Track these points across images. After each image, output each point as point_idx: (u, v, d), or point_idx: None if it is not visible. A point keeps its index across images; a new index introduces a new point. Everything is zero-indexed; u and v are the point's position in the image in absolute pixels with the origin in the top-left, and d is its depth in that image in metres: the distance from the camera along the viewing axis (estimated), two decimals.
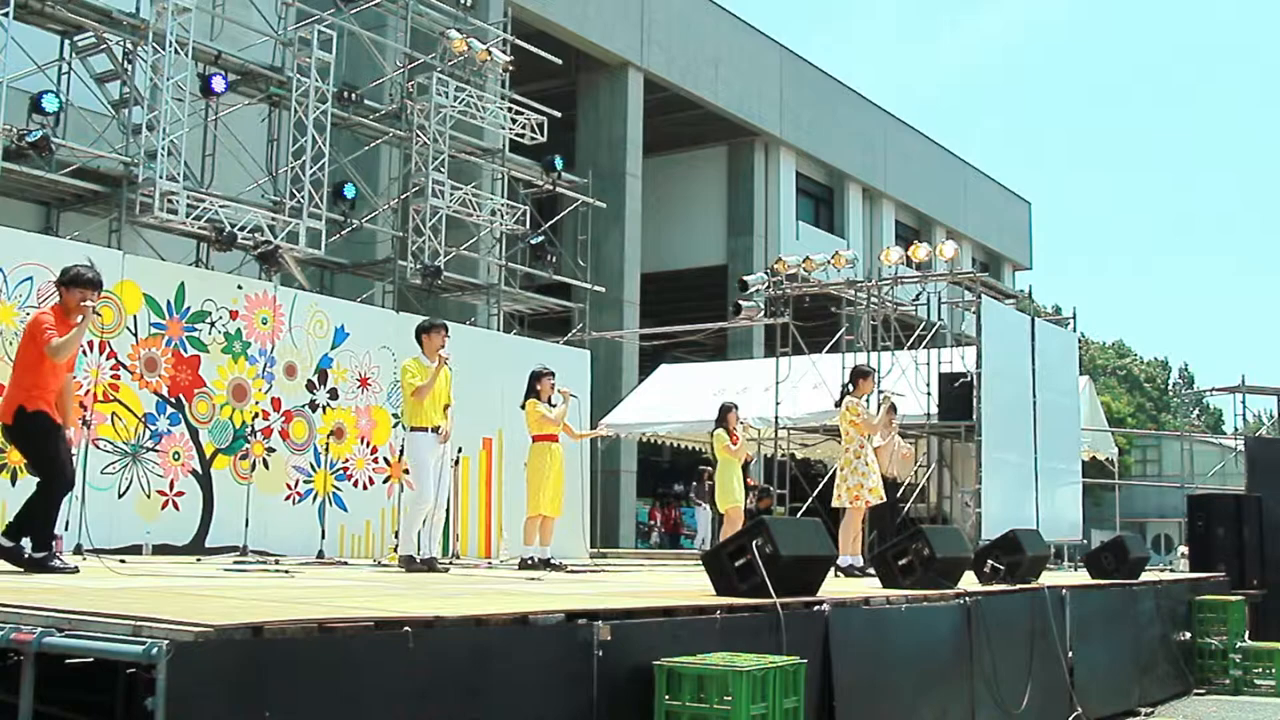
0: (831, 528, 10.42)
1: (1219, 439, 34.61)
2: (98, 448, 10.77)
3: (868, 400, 11.02)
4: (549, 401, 10.57)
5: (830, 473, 13.59)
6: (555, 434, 10.56)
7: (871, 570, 8.66)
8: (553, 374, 10.77)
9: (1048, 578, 8.43)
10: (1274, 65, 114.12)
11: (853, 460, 10.62)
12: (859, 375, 11.11)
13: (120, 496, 10.99)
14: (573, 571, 9.72)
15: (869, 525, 12.23)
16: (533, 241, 18.28)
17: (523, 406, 10.64)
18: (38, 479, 6.68)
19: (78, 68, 13.87)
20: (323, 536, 11.62)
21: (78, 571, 6.47)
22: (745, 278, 18.88)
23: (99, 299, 6.93)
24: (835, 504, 10.91)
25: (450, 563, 11.88)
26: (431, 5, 17.50)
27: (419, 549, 9.12)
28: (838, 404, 11.06)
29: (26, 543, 6.49)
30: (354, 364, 13.21)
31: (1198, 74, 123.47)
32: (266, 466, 12.13)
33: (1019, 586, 7.67)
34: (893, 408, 12.55)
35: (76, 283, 6.71)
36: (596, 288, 19.58)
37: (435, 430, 9.05)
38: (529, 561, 10.09)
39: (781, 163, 29.32)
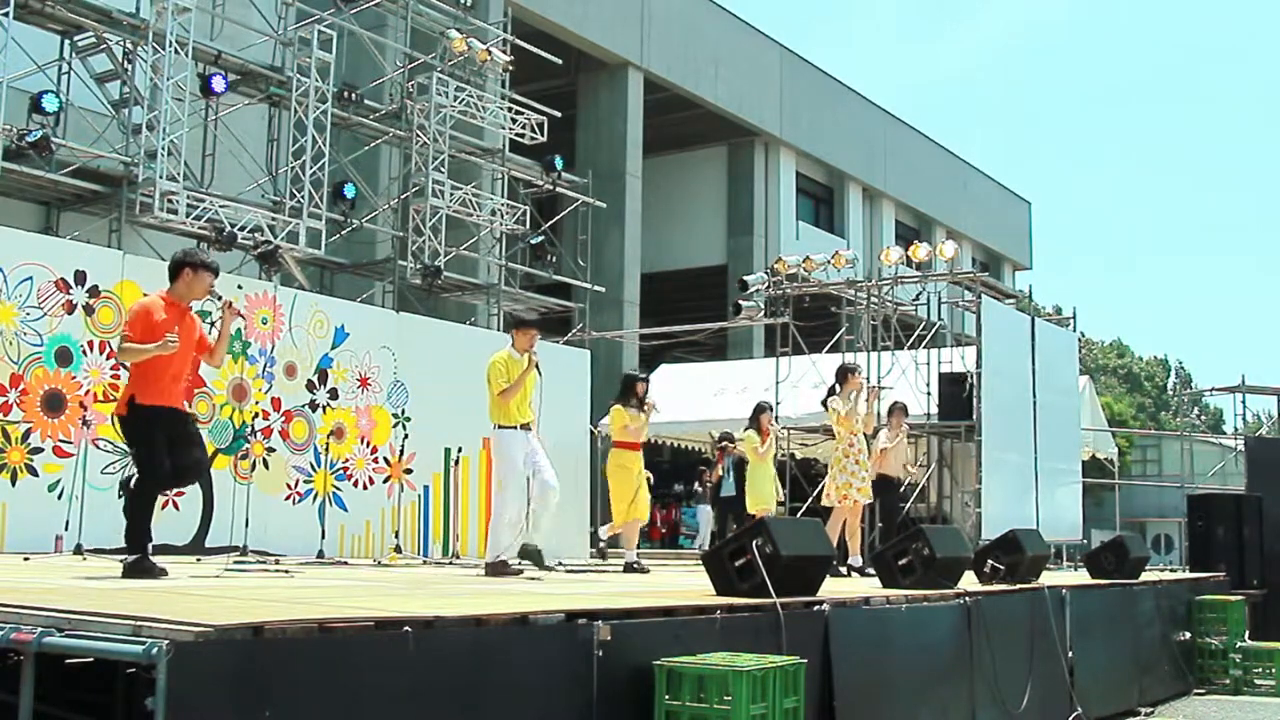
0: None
1: (1219, 439, 34.62)
2: (98, 448, 10.76)
3: (853, 396, 10.86)
4: (639, 407, 10.20)
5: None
6: (637, 442, 10.25)
7: (871, 570, 8.66)
8: (647, 380, 10.47)
9: (1048, 578, 8.42)
10: (1274, 65, 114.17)
11: (841, 459, 10.59)
12: (845, 373, 10.97)
13: (120, 496, 10.98)
14: (572, 571, 9.73)
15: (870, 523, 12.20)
16: (533, 241, 18.29)
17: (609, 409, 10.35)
18: (139, 477, 6.54)
19: (78, 68, 13.87)
20: (323, 536, 11.62)
21: (166, 574, 6.27)
22: (745, 278, 18.89)
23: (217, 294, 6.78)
24: (824, 503, 10.89)
25: (451, 560, 11.90)
26: (431, 5, 17.50)
27: (509, 551, 8.55)
28: (823, 403, 10.96)
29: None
30: (354, 364, 13.20)
31: (1198, 74, 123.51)
32: (266, 466, 12.13)
33: (1019, 586, 7.67)
34: (904, 409, 12.54)
35: (205, 268, 6.61)
36: (596, 288, 19.59)
37: (525, 428, 8.58)
38: (634, 566, 9.98)
39: (781, 163, 29.31)
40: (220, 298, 6.77)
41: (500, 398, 8.52)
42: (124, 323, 6.47)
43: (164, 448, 6.42)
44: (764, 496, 11.82)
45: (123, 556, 6.78)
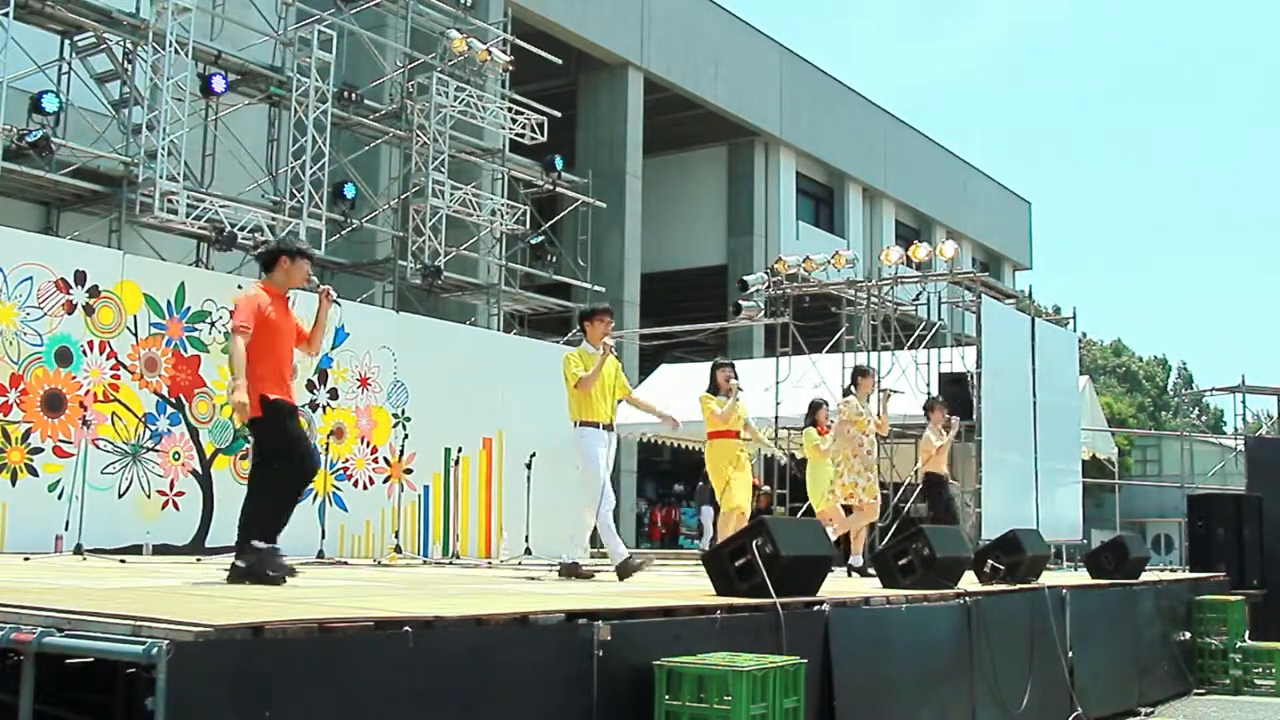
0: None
1: (1219, 439, 34.62)
2: (98, 448, 10.77)
3: (869, 399, 11.04)
4: (727, 395, 9.87)
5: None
6: (734, 430, 9.91)
7: (872, 570, 8.67)
8: (731, 365, 10.20)
9: (1048, 578, 8.42)
10: (1274, 65, 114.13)
11: (849, 459, 10.65)
12: (858, 374, 11.19)
13: (120, 496, 10.99)
14: None
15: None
16: (533, 241, 18.29)
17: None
18: (277, 470, 6.23)
19: (78, 68, 13.88)
20: (323, 536, 11.62)
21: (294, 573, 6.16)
22: (745, 278, 18.88)
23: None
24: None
25: (451, 560, 11.90)
26: (431, 5, 17.50)
27: (581, 553, 8.29)
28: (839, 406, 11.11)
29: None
30: (354, 364, 13.20)
31: (1197, 74, 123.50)
32: None
33: (1019, 586, 7.67)
34: (944, 403, 12.57)
35: (302, 255, 6.44)
36: (596, 288, 19.59)
37: (606, 427, 8.10)
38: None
39: (781, 163, 29.32)
40: (318, 285, 6.61)
41: (579, 389, 8.02)
42: (232, 315, 6.27)
43: (299, 444, 6.29)
44: (826, 496, 11.34)
45: (122, 556, 6.78)
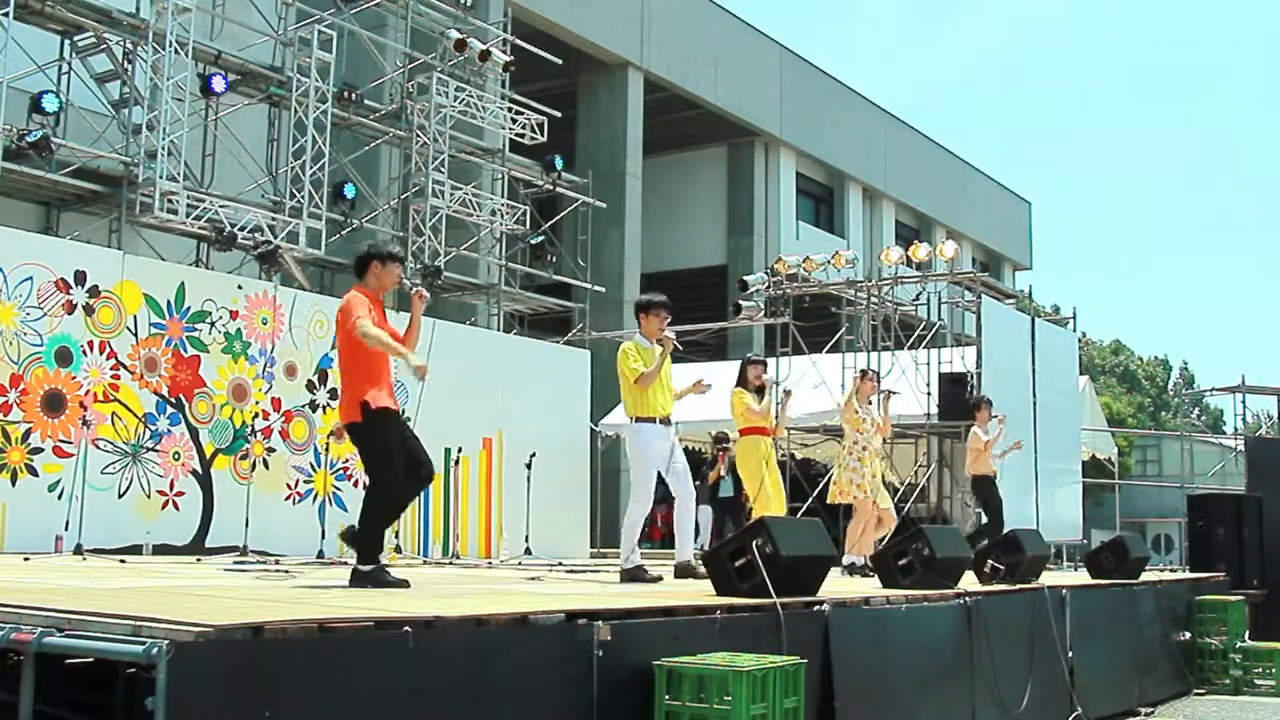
0: (831, 527, 10.45)
1: (1219, 439, 34.63)
2: (98, 448, 10.77)
3: (869, 401, 11.03)
4: (758, 391, 9.89)
5: (829, 473, 13.59)
6: (764, 426, 9.89)
7: (872, 569, 8.66)
8: (763, 361, 10.24)
9: (1048, 578, 8.42)
10: (1274, 65, 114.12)
11: (845, 456, 10.69)
12: (859, 376, 11.26)
13: (120, 496, 10.99)
14: (572, 571, 9.72)
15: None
16: (533, 241, 18.29)
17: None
18: (372, 481, 6.19)
19: (78, 68, 13.87)
20: (323, 536, 11.62)
21: (408, 585, 6.02)
22: (745, 278, 18.89)
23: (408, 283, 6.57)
24: (830, 500, 10.95)
25: (451, 560, 11.90)
26: (431, 5, 17.49)
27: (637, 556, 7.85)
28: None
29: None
30: None
31: (1198, 73, 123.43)
32: (266, 466, 12.13)
33: (1019, 586, 7.67)
34: (990, 401, 12.64)
35: (393, 259, 6.45)
36: (596, 288, 19.59)
37: (665, 421, 7.91)
38: None
39: (781, 163, 29.31)
40: (410, 287, 6.57)
41: (638, 385, 7.80)
42: (349, 314, 6.19)
43: (401, 453, 6.15)
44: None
45: (121, 556, 6.76)
